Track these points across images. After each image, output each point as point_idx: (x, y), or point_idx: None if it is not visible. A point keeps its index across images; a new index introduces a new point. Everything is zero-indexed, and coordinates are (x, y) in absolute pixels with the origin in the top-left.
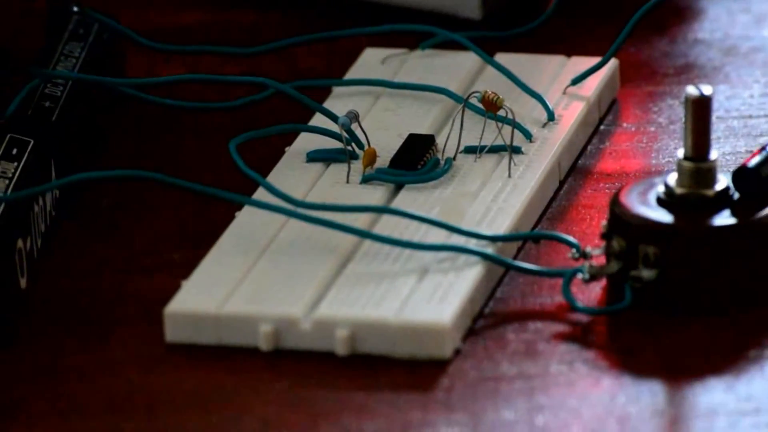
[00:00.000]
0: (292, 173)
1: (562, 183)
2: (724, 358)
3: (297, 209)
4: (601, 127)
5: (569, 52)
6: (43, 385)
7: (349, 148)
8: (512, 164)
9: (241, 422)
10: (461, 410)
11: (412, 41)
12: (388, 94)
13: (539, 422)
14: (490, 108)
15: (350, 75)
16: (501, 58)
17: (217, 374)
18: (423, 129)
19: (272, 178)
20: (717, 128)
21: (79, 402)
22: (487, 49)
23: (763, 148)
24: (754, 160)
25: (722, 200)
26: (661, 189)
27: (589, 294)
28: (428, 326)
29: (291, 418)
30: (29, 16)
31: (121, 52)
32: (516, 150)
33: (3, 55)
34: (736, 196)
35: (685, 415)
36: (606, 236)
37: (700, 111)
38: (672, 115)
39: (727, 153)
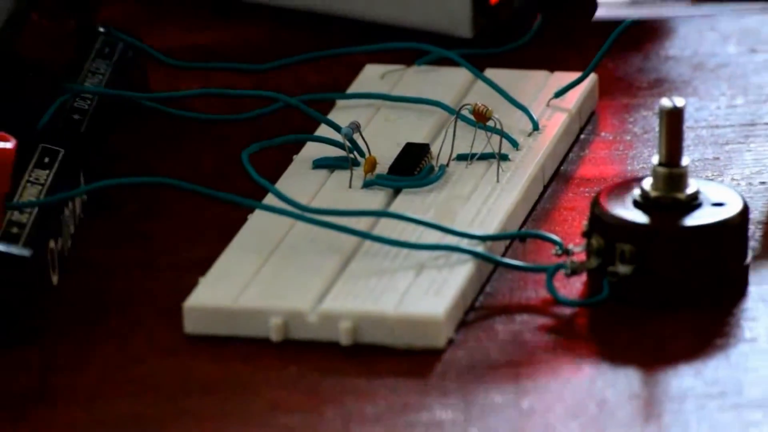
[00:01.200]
0: (300, 179)
1: (545, 187)
2: (693, 346)
3: (304, 213)
4: (582, 137)
5: (552, 68)
6: (71, 373)
7: (352, 156)
8: (500, 170)
9: (252, 405)
10: (454, 394)
11: (408, 58)
12: (386, 106)
13: (525, 405)
14: (480, 119)
15: (352, 89)
16: (490, 73)
17: (231, 362)
18: (419, 138)
19: (281, 183)
20: (687, 137)
21: (105, 388)
22: (478, 66)
23: None
24: None
25: (693, 203)
26: (636, 192)
27: (571, 288)
28: (424, 318)
29: (298, 401)
30: (61, 36)
31: (143, 69)
32: (504, 157)
33: (37, 71)
34: None
35: (657, 398)
36: (586, 235)
37: (673, 121)
38: (646, 125)
39: (697, 160)
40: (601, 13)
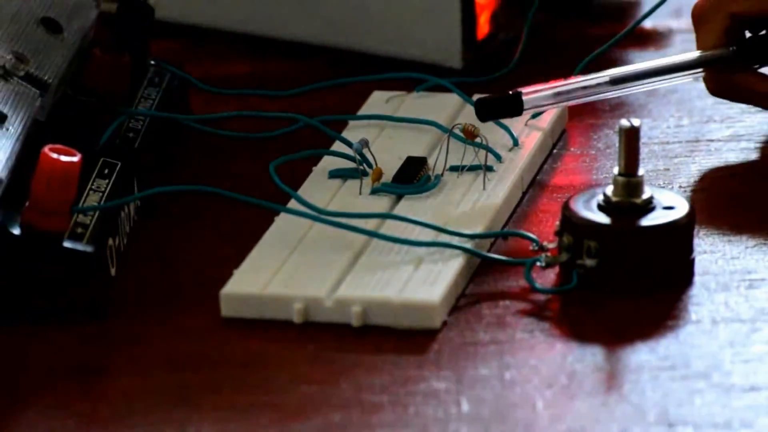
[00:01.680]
0: (318, 187)
1: (524, 194)
2: (647, 327)
3: (321, 215)
4: (554, 151)
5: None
6: (127, 349)
7: (361, 167)
8: (486, 179)
9: (277, 377)
10: (447, 368)
11: (409, 85)
12: (390, 126)
13: (507, 377)
14: (469, 136)
15: (362, 111)
16: (480, 99)
17: (259, 341)
18: (418, 152)
19: (302, 190)
20: (642, 151)
21: (156, 362)
22: (467, 92)
23: None
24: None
25: (648, 207)
26: (600, 198)
27: (546, 278)
28: (422, 303)
29: (316, 374)
30: (119, 68)
31: (186, 95)
32: (489, 168)
33: (98, 98)
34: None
35: (618, 371)
36: (558, 233)
37: (630, 138)
38: (608, 141)
39: (650, 170)
40: (527, 106)
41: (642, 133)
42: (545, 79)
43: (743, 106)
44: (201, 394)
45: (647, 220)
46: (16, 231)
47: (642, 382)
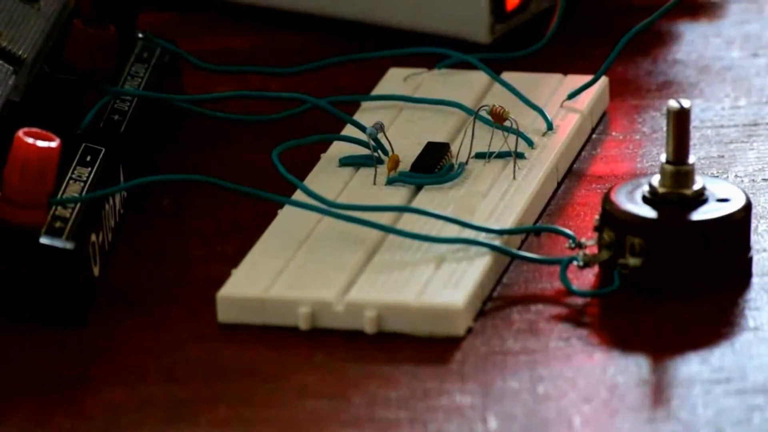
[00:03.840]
0: (327, 176)
1: (559, 184)
2: (699, 335)
3: (331, 208)
4: (593, 136)
5: (565, 71)
6: (112, 358)
7: (376, 154)
8: (516, 168)
9: (282, 390)
10: (473, 381)
11: (430, 62)
12: (409, 107)
13: (540, 391)
14: (498, 119)
15: (377, 91)
16: (506, 76)
17: (262, 350)
18: (439, 137)
19: (309, 180)
20: (693, 136)
21: (143, 372)
22: (495, 69)
23: None
24: None
25: (699, 198)
26: (645, 189)
27: (583, 279)
28: (444, 308)
29: (325, 386)
30: (102, 42)
31: (179, 72)
32: (520, 156)
33: (79, 75)
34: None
35: (666, 384)
36: (598, 229)
37: (680, 121)
38: (655, 125)
39: (702, 158)
40: None
41: (693, 116)
42: (581, 56)
43: None
44: (195, 408)
45: (698, 214)
46: None
47: (693, 397)
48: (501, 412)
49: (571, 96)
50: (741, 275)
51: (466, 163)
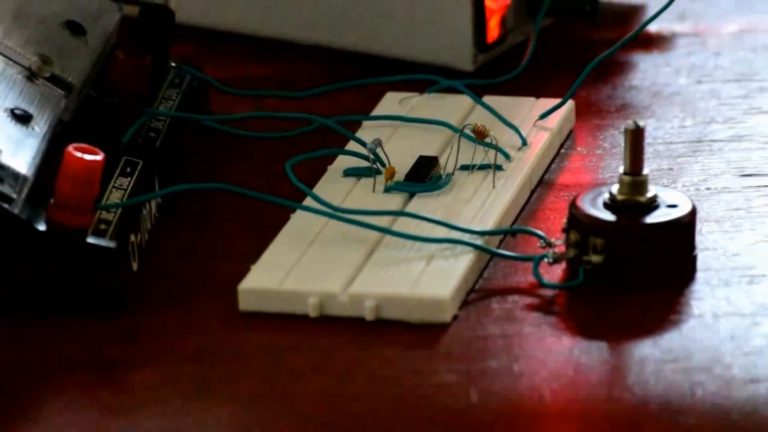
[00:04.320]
0: (333, 185)
1: (532, 192)
2: (651, 321)
3: (336, 212)
4: (562, 151)
5: (537, 95)
6: (147, 342)
7: (375, 166)
8: (495, 178)
9: (294, 369)
10: (458, 361)
11: (421, 87)
12: (403, 126)
13: (516, 369)
14: (479, 136)
15: (376, 112)
16: (487, 99)
17: (276, 334)
18: (429, 152)
19: (318, 188)
20: (646, 151)
21: (174, 354)
22: (477, 93)
23: None
24: None
25: (652, 205)
26: (606, 196)
27: (553, 274)
28: (433, 298)
29: (331, 366)
30: (140, 70)
31: (205, 96)
32: (498, 167)
33: (121, 98)
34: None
35: (623, 364)
36: (565, 230)
37: (636, 138)
38: (614, 141)
39: (654, 170)
40: None
41: (647, 134)
42: (550, 82)
43: (747, 106)
44: (219, 385)
45: (651, 218)
46: (42, 227)
47: (645, 374)
48: (482, 387)
49: (543, 116)
50: (687, 271)
51: (452, 174)
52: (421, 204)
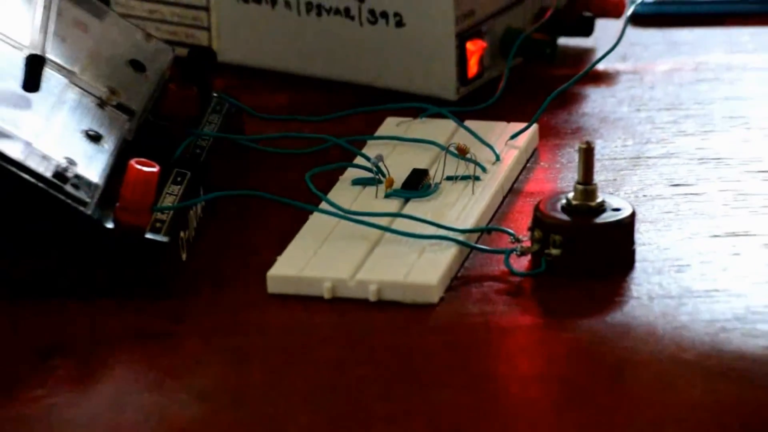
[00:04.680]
0: (343, 192)
1: (504, 198)
2: (599, 302)
3: (346, 214)
4: (528, 165)
5: (508, 120)
6: (194, 318)
7: (377, 177)
8: (474, 187)
9: (311, 341)
10: (444, 334)
11: (415, 113)
12: (400, 144)
13: (491, 341)
14: (461, 153)
15: (378, 133)
16: (468, 123)
17: (298, 313)
18: (421, 165)
19: (331, 194)
20: (596, 166)
21: (215, 327)
22: (460, 118)
23: None
24: None
25: (600, 208)
26: (564, 201)
27: (520, 264)
28: (424, 284)
29: (342, 338)
30: (188, 99)
31: (241, 120)
32: (477, 178)
33: (173, 122)
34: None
35: (576, 337)
36: (531, 229)
37: (587, 155)
38: (570, 158)
39: (602, 180)
40: None
41: (596, 152)
42: (519, 110)
43: (676, 129)
44: (252, 353)
45: (600, 219)
46: (110, 225)
47: (593, 345)
48: (464, 355)
49: (513, 137)
50: (628, 262)
51: (440, 183)
52: (414, 207)
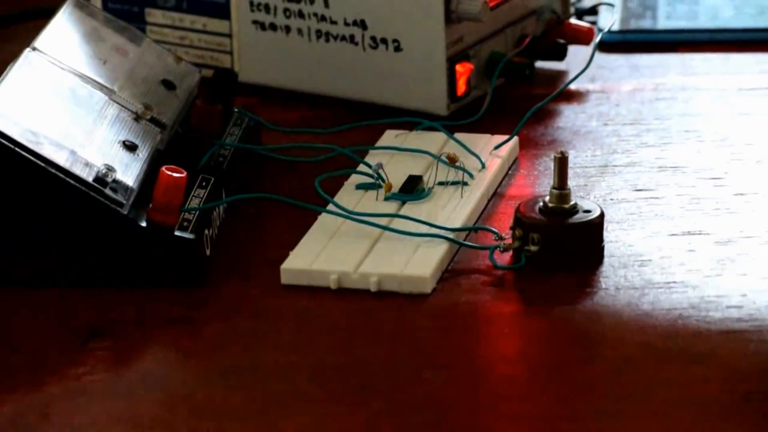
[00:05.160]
0: (348, 195)
1: (489, 201)
2: (571, 292)
3: (350, 215)
4: (509, 172)
5: (492, 133)
6: (216, 305)
7: (378, 182)
8: (462, 191)
9: (321, 325)
10: (437, 318)
11: (411, 126)
12: (398, 154)
13: (477, 325)
14: (451, 161)
15: (378, 144)
16: (458, 135)
17: (308, 301)
18: (416, 172)
19: (337, 197)
20: (569, 173)
21: (235, 313)
22: (450, 131)
23: None
24: None
25: (573, 210)
26: (541, 204)
27: (503, 259)
28: (419, 276)
29: (346, 323)
30: (213, 114)
31: (259, 132)
32: (465, 183)
33: (199, 134)
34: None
35: (551, 320)
36: (512, 228)
37: (561, 164)
38: (546, 166)
39: (575, 186)
40: None
41: (569, 161)
42: (501, 124)
43: (638, 141)
44: (268, 336)
45: (573, 220)
46: (143, 224)
47: (568, 329)
48: (453, 336)
49: (496, 148)
50: (597, 257)
51: (432, 187)
52: (410, 209)
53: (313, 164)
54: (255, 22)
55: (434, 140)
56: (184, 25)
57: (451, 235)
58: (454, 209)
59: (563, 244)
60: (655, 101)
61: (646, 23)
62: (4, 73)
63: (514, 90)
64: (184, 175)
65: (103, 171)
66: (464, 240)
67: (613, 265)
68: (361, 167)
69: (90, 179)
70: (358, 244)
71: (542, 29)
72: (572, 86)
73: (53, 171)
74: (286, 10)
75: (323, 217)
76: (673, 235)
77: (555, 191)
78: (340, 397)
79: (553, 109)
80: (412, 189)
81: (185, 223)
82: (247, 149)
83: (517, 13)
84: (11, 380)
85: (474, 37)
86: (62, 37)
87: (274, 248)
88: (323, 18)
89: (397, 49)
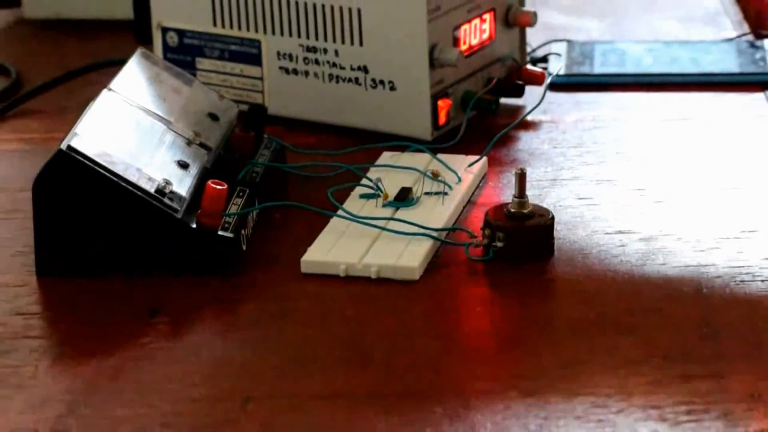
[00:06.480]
0: (354, 203)
1: (464, 207)
2: (530, 280)
3: (355, 218)
4: (480, 184)
5: (467, 153)
6: (255, 291)
7: (377, 192)
8: (444, 199)
9: (333, 306)
10: (425, 301)
11: (402, 148)
12: (393, 170)
13: (456, 304)
14: (435, 176)
15: (378, 163)
16: (440, 156)
17: (321, 287)
18: (407, 184)
19: (345, 205)
20: (527, 186)
21: (264, 297)
22: (434, 152)
23: None
24: None
25: (530, 215)
26: (506, 210)
27: (476, 253)
28: (409, 266)
29: (352, 306)
30: (248, 140)
31: (284, 153)
32: (445, 193)
33: (236, 155)
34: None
35: (514, 300)
36: (483, 229)
37: (521, 178)
38: (510, 180)
39: (531, 195)
40: None
41: (527, 176)
42: (474, 147)
43: (580, 161)
44: (288, 315)
45: (530, 222)
46: (193, 226)
47: (527, 307)
48: (437, 315)
49: (470, 165)
50: (549, 251)
51: (420, 197)
52: (402, 214)
53: (326, 179)
54: (281, 68)
55: (421, 160)
56: (226, 70)
57: (434, 234)
58: (437, 214)
59: (523, 241)
60: (593, 129)
61: (585, 68)
62: (86, 108)
63: (484, 120)
64: (225, 187)
65: (162, 184)
66: (445, 238)
67: (561, 258)
68: (364, 181)
69: (152, 191)
70: (362, 241)
71: (505, 73)
72: (529, 117)
73: (123, 184)
74: (305, 58)
75: (334, 221)
76: (607, 233)
77: (516, 199)
78: (348, 361)
79: (514, 135)
80: (404, 198)
81: (226, 225)
82: (275, 167)
83: (486, 60)
84: (89, 349)
85: (452, 79)
86: (131, 80)
87: (295, 245)
88: (334, 65)
89: (392, 88)
